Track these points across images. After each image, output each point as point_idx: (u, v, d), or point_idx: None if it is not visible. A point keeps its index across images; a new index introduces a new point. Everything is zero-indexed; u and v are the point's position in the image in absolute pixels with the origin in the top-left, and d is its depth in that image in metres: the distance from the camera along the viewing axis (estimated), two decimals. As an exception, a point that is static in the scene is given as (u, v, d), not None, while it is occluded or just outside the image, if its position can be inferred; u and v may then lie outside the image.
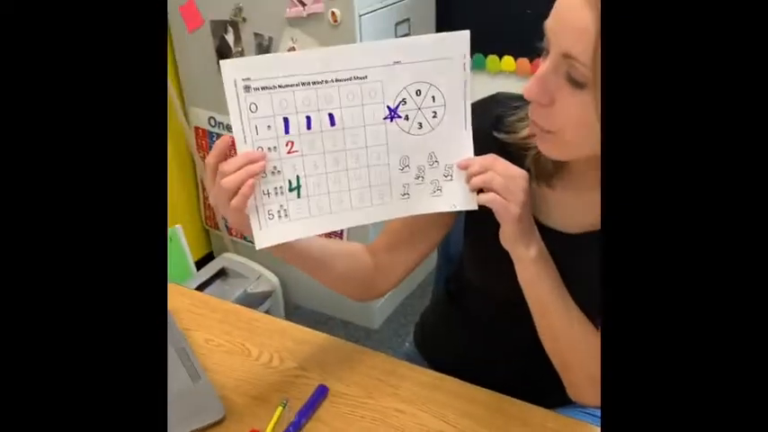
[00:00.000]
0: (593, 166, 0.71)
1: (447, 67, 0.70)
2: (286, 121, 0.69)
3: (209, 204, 2.14)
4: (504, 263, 0.76)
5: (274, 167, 0.71)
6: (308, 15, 1.62)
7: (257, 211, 0.71)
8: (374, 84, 0.70)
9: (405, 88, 0.71)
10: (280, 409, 0.82)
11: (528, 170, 0.74)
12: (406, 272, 0.89)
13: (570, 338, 0.76)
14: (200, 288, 1.97)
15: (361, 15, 1.59)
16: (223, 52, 1.81)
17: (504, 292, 0.81)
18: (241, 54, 1.79)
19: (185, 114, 2.03)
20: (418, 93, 0.71)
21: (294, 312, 2.15)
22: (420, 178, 0.74)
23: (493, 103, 0.82)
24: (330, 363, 0.90)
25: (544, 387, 0.83)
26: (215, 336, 0.97)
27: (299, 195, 0.72)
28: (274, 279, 2.07)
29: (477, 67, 2.00)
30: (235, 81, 0.67)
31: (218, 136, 1.98)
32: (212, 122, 1.97)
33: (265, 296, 2.02)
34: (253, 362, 0.92)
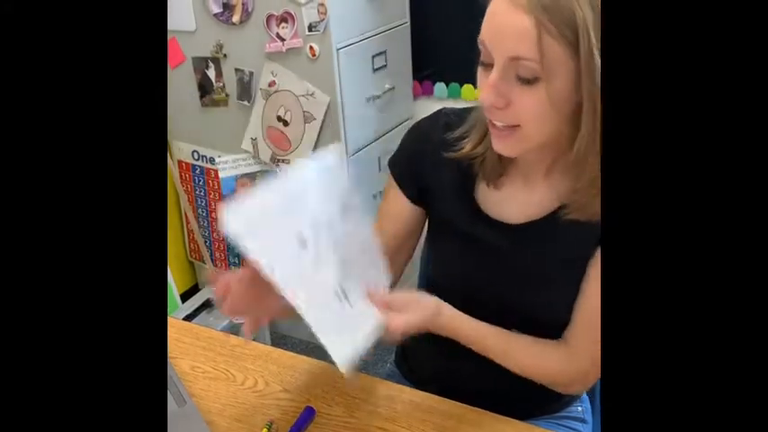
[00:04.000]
0: (541, 157, 0.78)
1: None
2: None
3: (193, 237, 2.16)
4: (475, 266, 0.84)
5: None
6: (287, 50, 1.67)
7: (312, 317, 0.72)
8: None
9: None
10: (265, 430, 0.84)
11: (476, 175, 0.82)
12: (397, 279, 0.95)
13: (519, 361, 0.84)
14: (186, 320, 1.98)
15: (338, 49, 1.64)
16: (205, 87, 1.85)
17: (470, 295, 0.87)
18: (222, 88, 1.83)
19: (169, 148, 2.07)
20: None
21: (281, 342, 2.16)
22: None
23: (441, 115, 0.89)
24: (313, 385, 0.93)
25: (515, 397, 0.86)
26: (200, 363, 0.99)
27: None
28: (260, 309, 2.08)
29: (452, 95, 2.05)
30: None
31: (201, 169, 2.01)
32: (195, 156, 2.00)
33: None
34: (238, 387, 0.94)
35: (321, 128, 1.72)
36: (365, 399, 0.88)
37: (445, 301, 0.95)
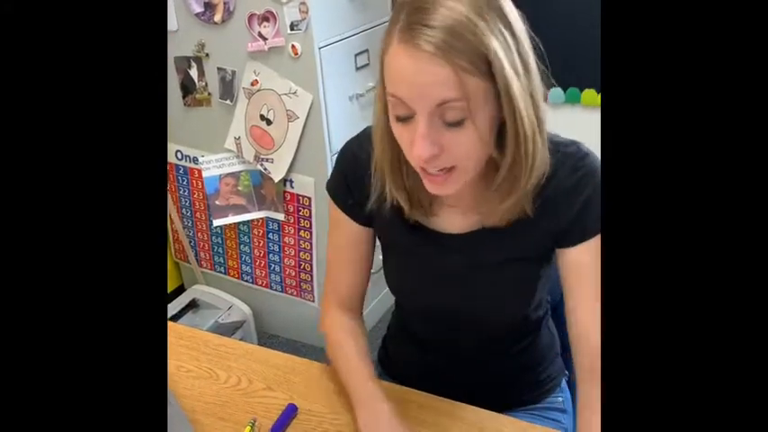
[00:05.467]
0: (471, 184, 0.76)
1: None
2: None
3: (178, 237, 2.15)
4: (420, 277, 0.85)
5: None
6: (270, 49, 1.67)
7: None
8: None
9: None
10: (248, 428, 0.85)
11: (407, 218, 0.82)
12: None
13: None
14: (172, 320, 1.97)
15: (320, 48, 1.64)
16: (187, 86, 1.85)
17: (426, 304, 0.89)
18: (205, 87, 1.83)
19: (152, 149, 2.06)
20: None
21: (268, 341, 2.16)
22: None
23: (368, 135, 0.84)
24: (296, 382, 0.93)
25: (492, 390, 0.87)
26: (184, 362, 0.99)
27: None
28: (246, 309, 2.09)
29: (571, 101, 1.96)
30: None
31: (185, 169, 2.01)
32: (179, 155, 2.00)
33: (237, 326, 2.03)
34: (221, 385, 0.95)
35: (304, 126, 1.72)
36: (347, 395, 0.88)
37: (407, 311, 1.00)
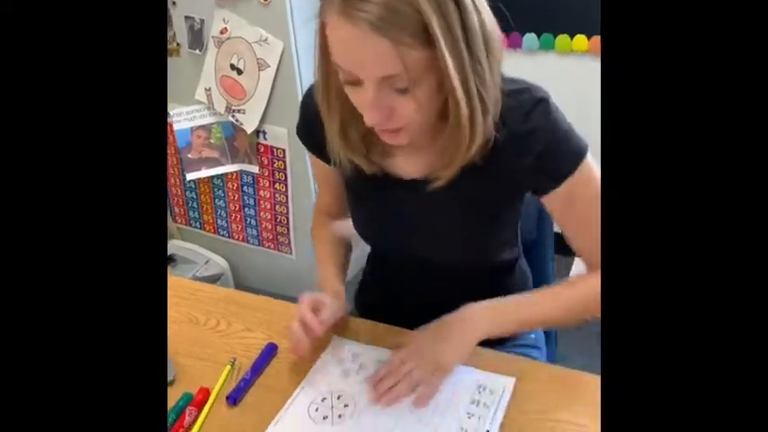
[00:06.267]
0: (421, 133, 0.77)
1: None
2: None
3: (151, 193, 2.13)
4: (379, 221, 0.88)
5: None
6: (238, -5, 1.63)
7: None
8: None
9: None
10: (228, 367, 0.86)
11: (358, 168, 0.83)
12: None
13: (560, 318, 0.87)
14: (148, 276, 1.97)
15: (290, -7, 1.61)
16: (154, 37, 1.81)
17: (389, 247, 0.91)
18: (173, 38, 1.79)
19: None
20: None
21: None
22: None
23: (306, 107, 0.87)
24: (275, 322, 0.94)
25: None
26: (162, 308, 0.99)
27: None
28: (223, 263, 2.09)
29: (545, 47, 1.92)
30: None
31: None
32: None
33: (214, 279, 2.03)
34: (201, 327, 0.95)
35: (276, 75, 1.70)
36: (327, 333, 0.90)
37: (376, 256, 1.04)
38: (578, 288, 0.84)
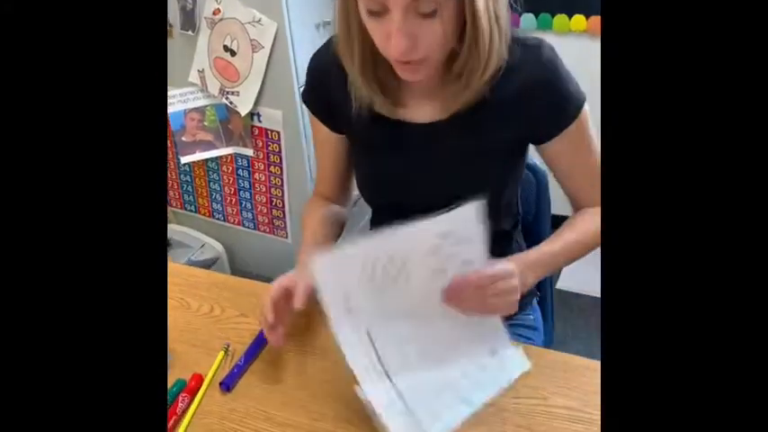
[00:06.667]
0: (438, 74, 0.82)
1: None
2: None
3: (145, 176, 2.11)
4: (384, 169, 0.91)
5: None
6: (230, -25, 1.60)
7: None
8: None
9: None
10: (221, 353, 0.85)
11: (376, 113, 0.86)
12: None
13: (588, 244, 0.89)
14: (144, 260, 1.96)
15: (284, -28, 1.58)
16: (146, 18, 1.78)
17: (391, 200, 0.93)
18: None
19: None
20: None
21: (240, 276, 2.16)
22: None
23: (333, 42, 0.88)
24: (269, 307, 0.93)
25: None
26: (154, 293, 0.98)
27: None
28: (218, 246, 2.07)
29: (543, 27, 1.91)
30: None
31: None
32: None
33: (210, 263, 2.02)
34: (193, 313, 0.94)
35: (270, 57, 1.67)
36: (322, 320, 0.89)
37: (377, 217, 1.03)
38: (591, 222, 0.88)
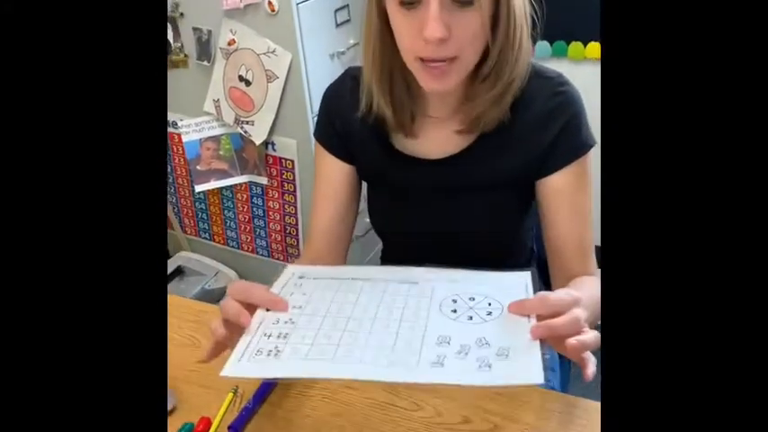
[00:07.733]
0: (457, 93, 0.82)
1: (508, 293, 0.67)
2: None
3: (161, 204, 2.12)
4: (394, 202, 0.90)
5: (290, 319, 0.71)
6: (245, 6, 1.61)
7: (246, 347, 0.67)
8: (425, 285, 0.71)
9: (458, 294, 0.69)
10: (230, 395, 0.83)
11: (390, 126, 0.85)
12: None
13: None
14: (157, 288, 1.95)
15: (298, 4, 1.58)
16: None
17: (401, 232, 0.93)
18: (181, 49, 1.77)
19: (130, 114, 2.01)
20: (471, 299, 0.68)
21: (255, 306, 2.15)
22: (463, 354, 0.62)
23: (348, 75, 0.91)
24: (279, 347, 0.91)
25: None
26: (164, 330, 0.97)
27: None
28: (232, 274, 2.07)
29: (557, 54, 1.90)
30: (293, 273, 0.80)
31: (169, 135, 1.96)
32: (158, 120, 1.95)
33: (224, 292, 2.01)
34: (203, 351, 0.92)
35: (284, 86, 1.68)
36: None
37: (388, 249, 1.02)
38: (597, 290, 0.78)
